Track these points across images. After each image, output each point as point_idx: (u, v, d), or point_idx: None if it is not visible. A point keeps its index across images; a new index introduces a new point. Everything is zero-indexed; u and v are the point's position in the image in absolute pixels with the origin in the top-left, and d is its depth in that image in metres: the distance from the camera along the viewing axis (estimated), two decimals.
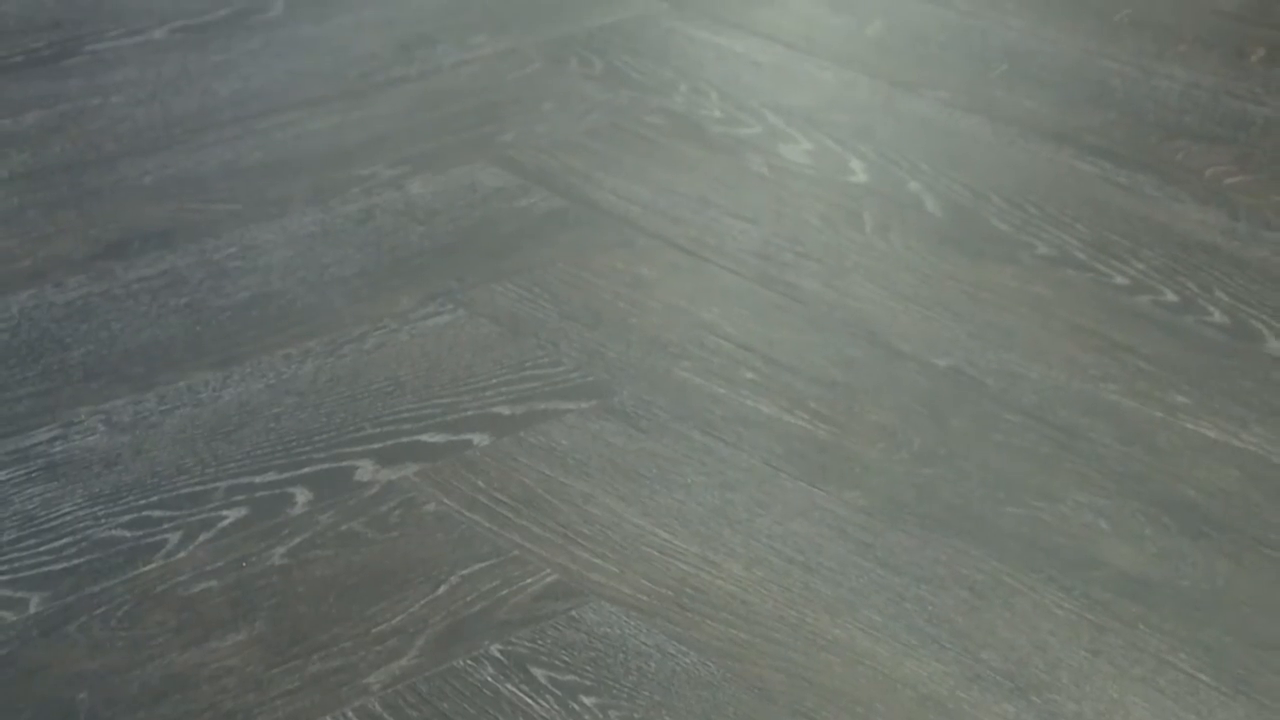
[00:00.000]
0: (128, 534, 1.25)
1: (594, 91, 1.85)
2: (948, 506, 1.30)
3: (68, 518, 1.27)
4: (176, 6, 2.00)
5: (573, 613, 1.19)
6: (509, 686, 1.13)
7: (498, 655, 1.15)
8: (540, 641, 1.17)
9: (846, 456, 1.35)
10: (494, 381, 1.43)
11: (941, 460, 1.35)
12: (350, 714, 1.11)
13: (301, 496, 1.30)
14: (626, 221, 1.64)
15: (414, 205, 1.65)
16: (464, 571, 1.23)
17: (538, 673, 1.14)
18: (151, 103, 1.81)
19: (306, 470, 1.32)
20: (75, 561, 1.23)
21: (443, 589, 1.21)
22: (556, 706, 1.12)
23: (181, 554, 1.24)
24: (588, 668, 1.15)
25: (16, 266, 1.55)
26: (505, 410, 1.40)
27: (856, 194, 1.69)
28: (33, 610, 1.19)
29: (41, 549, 1.24)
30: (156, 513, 1.27)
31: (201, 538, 1.25)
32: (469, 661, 1.15)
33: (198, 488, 1.30)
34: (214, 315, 1.50)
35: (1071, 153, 1.76)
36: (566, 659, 1.15)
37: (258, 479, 1.31)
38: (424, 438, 1.36)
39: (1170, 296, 1.55)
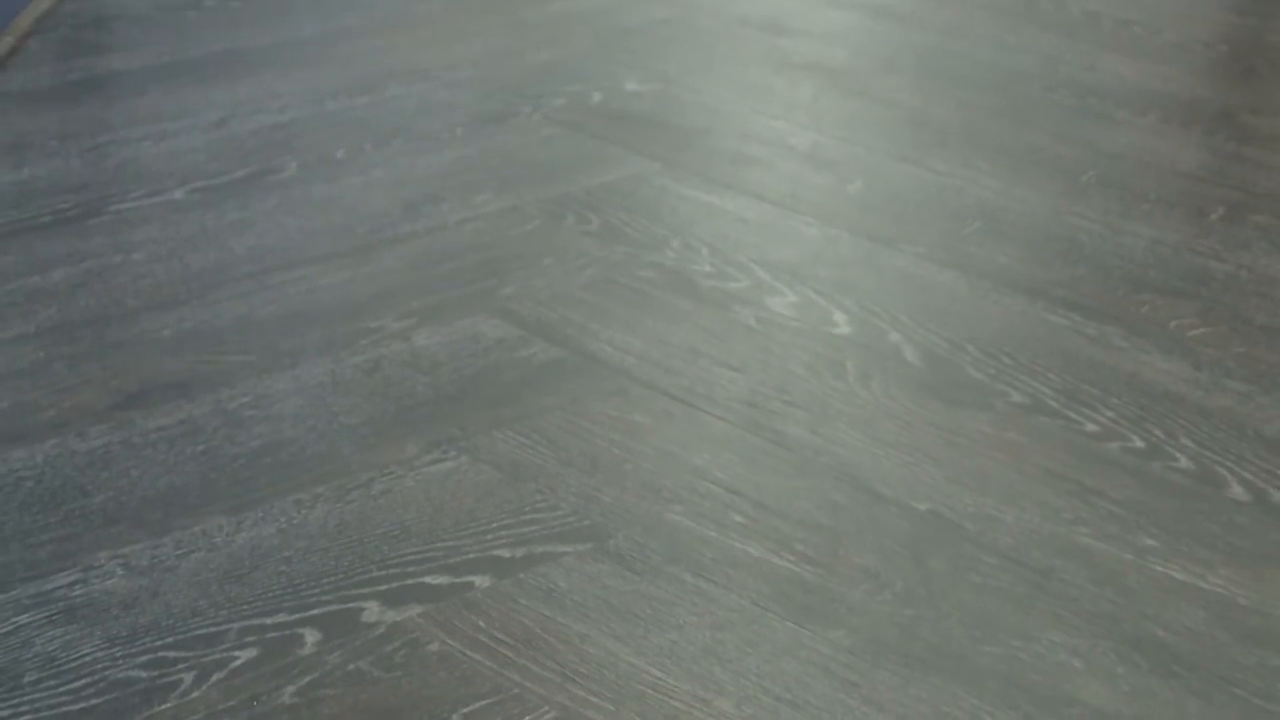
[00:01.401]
0: (144, 674, 1.24)
1: (591, 247, 1.86)
2: (929, 646, 1.29)
3: (86, 659, 1.26)
4: (195, 168, 2.01)
5: None
6: None
7: None
8: None
9: (832, 597, 1.35)
10: (495, 525, 1.42)
11: (922, 601, 1.34)
12: None
13: (311, 637, 1.29)
14: (621, 371, 1.64)
15: (420, 356, 1.66)
16: (466, 709, 1.22)
17: None
18: (171, 259, 1.81)
19: (315, 611, 1.32)
20: (93, 702, 1.22)
21: None
22: None
23: (195, 694, 1.23)
24: None
25: (42, 416, 1.55)
26: (506, 553, 1.39)
27: (839, 344, 1.70)
28: None
29: (61, 690, 1.23)
30: (172, 653, 1.27)
31: (215, 678, 1.24)
32: None
33: (211, 629, 1.29)
34: (229, 463, 1.49)
35: (1043, 305, 1.77)
36: None
37: (269, 620, 1.31)
38: (428, 580, 1.36)
39: (1138, 443, 1.55)
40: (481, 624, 1.31)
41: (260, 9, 2.49)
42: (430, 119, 2.15)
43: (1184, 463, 1.52)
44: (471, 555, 1.38)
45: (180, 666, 1.25)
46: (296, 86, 2.23)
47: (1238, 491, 1.49)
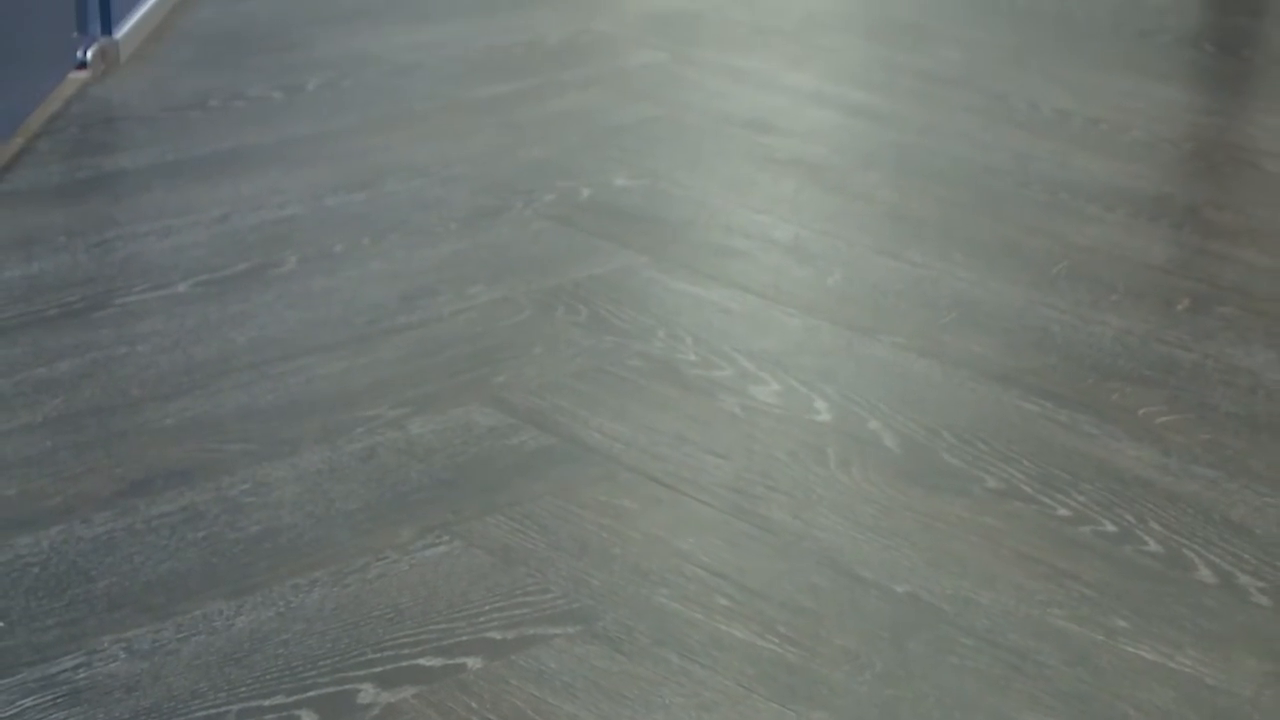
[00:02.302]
0: None
1: (580, 337, 1.87)
2: None
3: None
4: (199, 262, 2.02)
5: None
6: None
7: None
8: None
9: (814, 678, 1.34)
10: (487, 608, 1.42)
11: (902, 682, 1.34)
12: None
13: (308, 719, 1.28)
14: (610, 458, 1.64)
15: (414, 444, 1.66)
16: None
17: None
18: (174, 351, 1.82)
19: (312, 694, 1.31)
20: None
21: None
22: None
23: None
24: None
25: (48, 504, 1.55)
26: (497, 635, 1.39)
27: (821, 432, 1.70)
28: None
29: None
30: None
31: None
32: None
33: (211, 711, 1.29)
34: (229, 548, 1.49)
35: (1016, 393, 1.77)
36: None
37: (266, 702, 1.30)
38: (422, 661, 1.35)
39: (1109, 527, 1.55)
40: (474, 705, 1.30)
41: (262, 109, 2.50)
42: (426, 214, 2.16)
43: (1153, 546, 1.52)
44: (464, 637, 1.38)
45: None
46: (297, 183, 2.24)
47: (1205, 574, 1.49)
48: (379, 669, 1.34)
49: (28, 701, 1.30)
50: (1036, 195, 2.25)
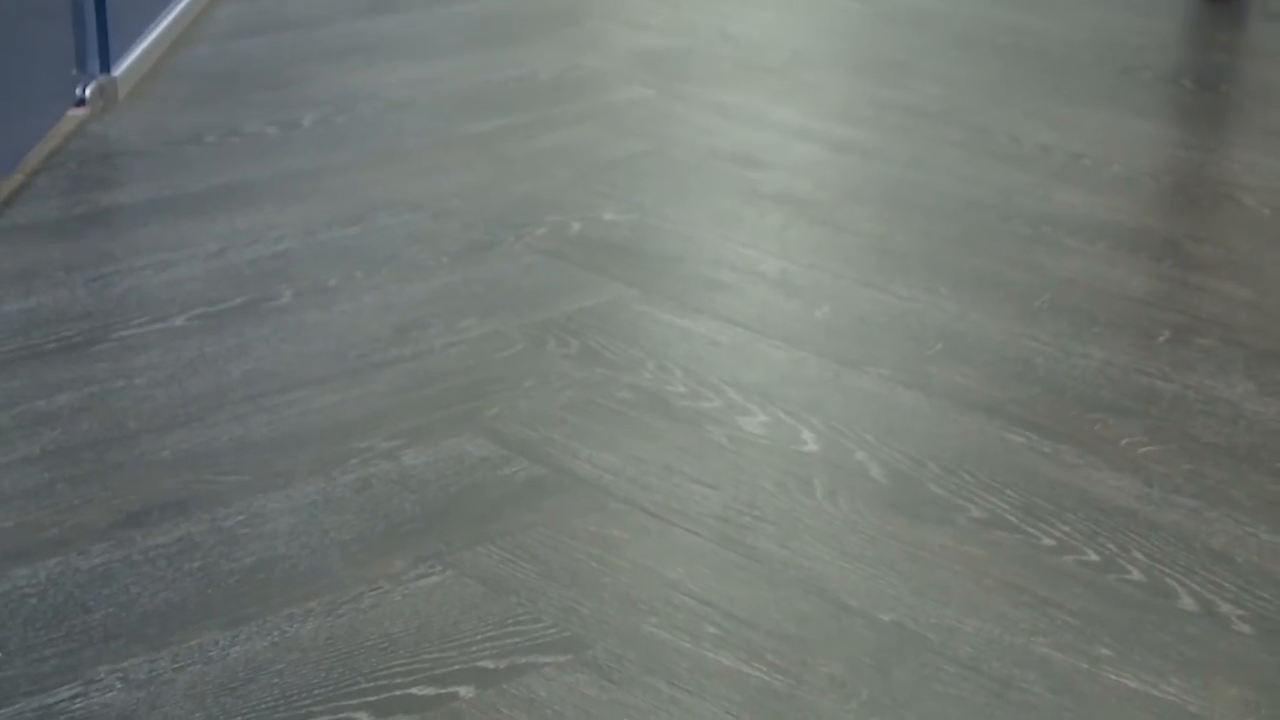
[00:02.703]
0: None
1: (570, 370, 1.87)
2: None
3: None
4: (195, 296, 2.01)
5: None
6: None
7: None
8: None
9: (801, 706, 1.34)
10: (479, 637, 1.42)
11: (887, 709, 1.34)
12: None
13: None
14: (599, 488, 1.64)
15: (407, 475, 1.65)
16: None
17: None
18: (171, 384, 1.81)
19: None
20: None
21: None
22: None
23: None
24: None
25: (45, 535, 1.55)
26: (489, 664, 1.38)
27: (807, 462, 1.70)
28: None
29: None
30: None
31: None
32: None
33: None
34: (224, 578, 1.49)
35: (1000, 424, 1.77)
36: None
37: None
38: (414, 690, 1.35)
39: (1092, 556, 1.55)
40: None
41: (258, 145, 2.50)
42: (418, 248, 2.16)
43: (1136, 575, 1.52)
44: (456, 666, 1.38)
45: None
46: (292, 218, 2.24)
47: (1187, 602, 1.49)
48: (372, 698, 1.34)
49: None
50: (1019, 229, 2.26)
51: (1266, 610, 1.48)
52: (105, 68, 2.66)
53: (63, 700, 1.33)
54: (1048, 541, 1.57)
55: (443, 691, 1.35)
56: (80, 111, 2.60)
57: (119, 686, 1.34)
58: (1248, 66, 2.98)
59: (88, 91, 2.61)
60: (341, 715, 1.32)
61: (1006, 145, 2.55)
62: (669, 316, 1.99)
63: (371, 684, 1.35)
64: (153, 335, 1.92)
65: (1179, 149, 2.58)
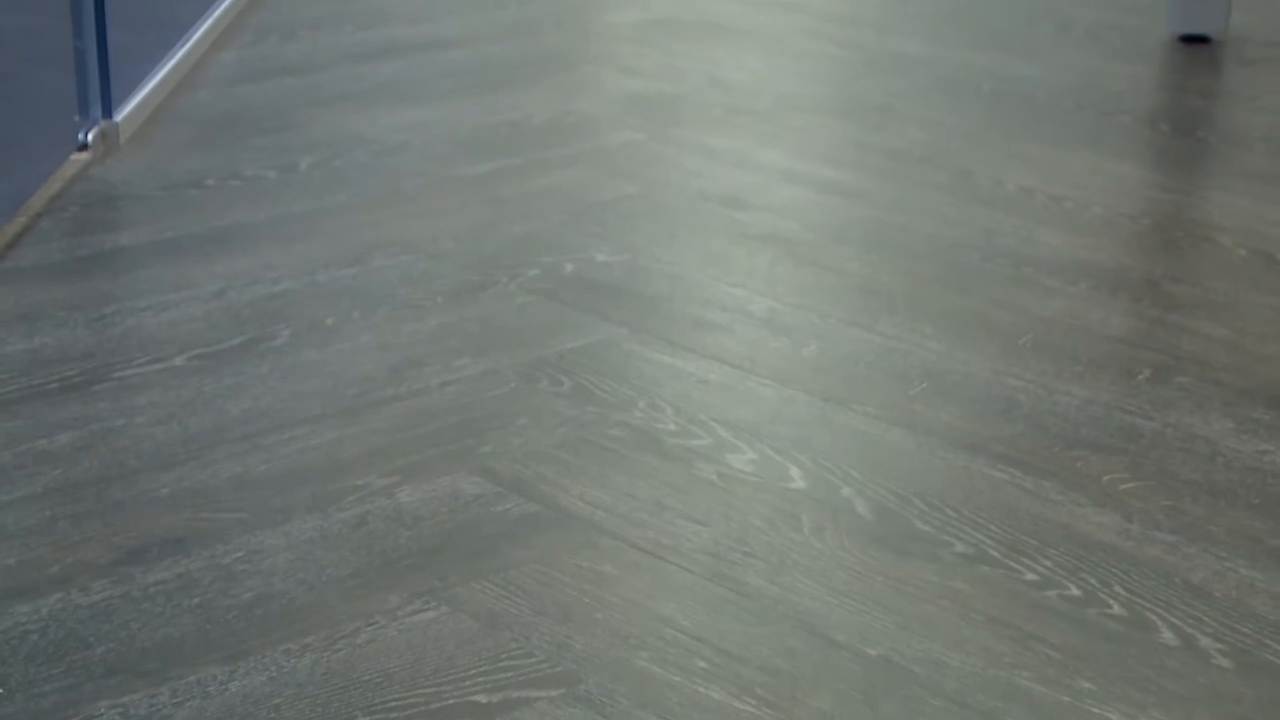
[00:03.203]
0: None
1: (563, 408, 1.86)
2: None
3: None
4: (195, 336, 2.01)
5: None
6: None
7: None
8: None
9: None
10: (473, 672, 1.41)
11: None
12: None
13: None
14: (592, 525, 1.63)
15: (403, 512, 1.65)
16: None
17: None
18: (170, 422, 1.81)
19: None
20: None
21: None
22: None
23: None
24: None
25: (46, 572, 1.54)
26: (483, 698, 1.38)
27: (795, 499, 1.69)
28: None
29: None
30: None
31: None
32: None
33: None
34: (222, 614, 1.48)
35: (984, 461, 1.77)
36: None
37: None
38: None
39: (1074, 591, 1.55)
40: None
41: (257, 188, 2.50)
42: (414, 288, 2.15)
43: (1117, 609, 1.52)
44: (451, 701, 1.37)
45: None
46: (290, 259, 2.24)
47: (1168, 636, 1.48)
48: None
49: None
50: (1002, 269, 2.26)
51: (1245, 644, 1.47)
52: (107, 113, 2.66)
53: None
54: (1031, 576, 1.57)
55: None
56: (83, 156, 2.60)
57: None
58: (1223, 111, 2.99)
59: (90, 136, 2.61)
60: None
61: (989, 188, 2.56)
62: (659, 355, 1.99)
63: (368, 718, 1.34)
64: (153, 375, 1.91)
65: (1157, 191, 2.58)
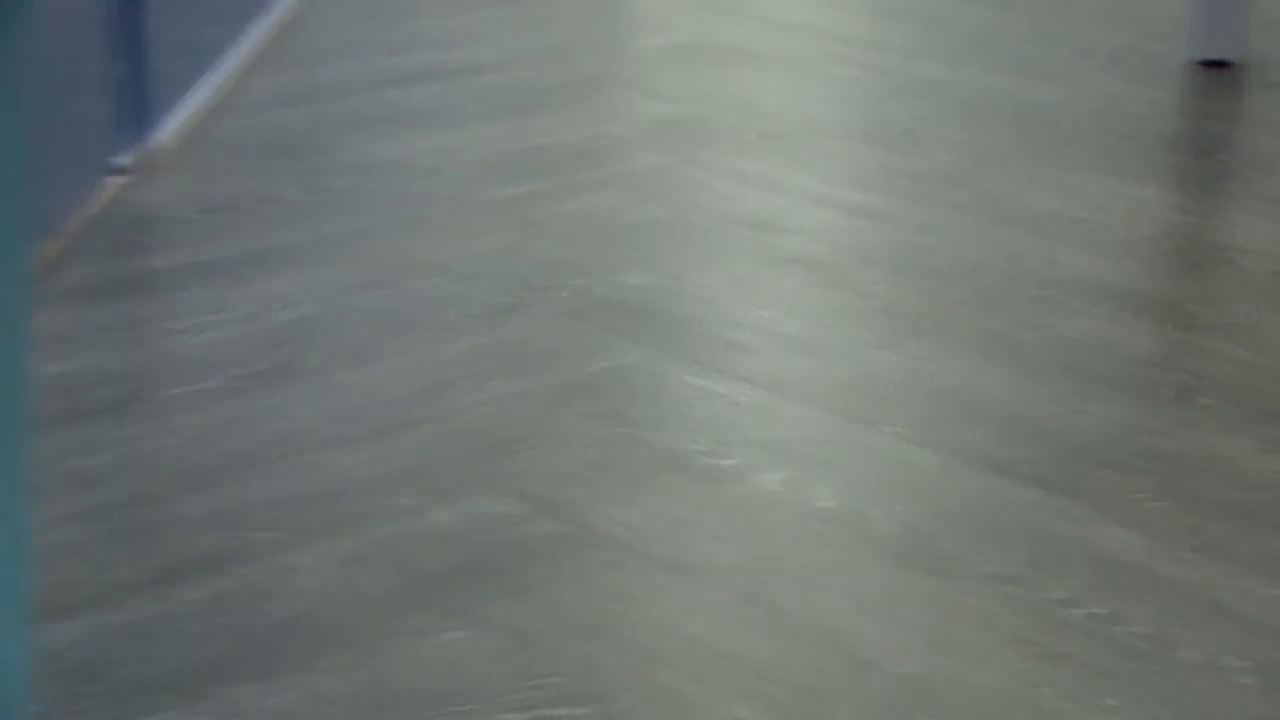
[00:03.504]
0: None
1: (593, 429, 1.86)
2: None
3: None
4: (230, 358, 2.01)
5: None
6: None
7: None
8: None
9: None
10: (503, 690, 1.40)
11: None
12: None
13: None
14: (621, 545, 1.63)
15: (434, 532, 1.65)
16: None
17: None
18: (205, 443, 1.81)
19: None
20: None
21: None
22: None
23: None
24: None
25: (81, 592, 1.54)
26: (514, 716, 1.37)
27: (824, 518, 1.69)
28: None
29: None
30: None
31: None
32: None
33: None
34: (256, 633, 1.48)
35: (1009, 481, 1.76)
36: None
37: None
38: None
39: (1099, 609, 1.54)
40: None
41: (292, 211, 2.50)
42: (446, 310, 2.15)
43: (1141, 628, 1.51)
44: (482, 719, 1.37)
45: None
46: (323, 281, 2.24)
47: (1192, 655, 1.47)
48: None
49: None
50: (1027, 291, 2.25)
51: (1268, 663, 1.46)
52: (144, 137, 2.67)
53: None
54: (1056, 595, 1.56)
55: None
56: (120, 179, 2.61)
57: None
58: (1244, 134, 2.97)
59: (127, 160, 2.62)
60: None
61: (1014, 210, 2.55)
62: (689, 377, 1.99)
63: None
64: (188, 396, 1.92)
65: (1179, 214, 2.57)
